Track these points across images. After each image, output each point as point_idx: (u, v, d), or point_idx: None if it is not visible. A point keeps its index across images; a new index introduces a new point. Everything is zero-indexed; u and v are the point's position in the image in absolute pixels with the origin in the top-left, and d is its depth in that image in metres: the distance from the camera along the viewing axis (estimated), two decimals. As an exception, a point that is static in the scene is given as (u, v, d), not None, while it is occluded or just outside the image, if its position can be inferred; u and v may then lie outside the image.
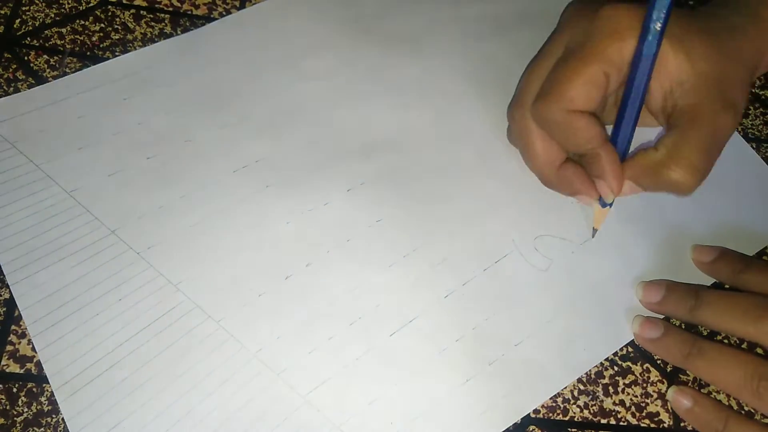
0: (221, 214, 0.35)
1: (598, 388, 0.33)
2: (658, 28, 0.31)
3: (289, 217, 0.35)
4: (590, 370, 0.34)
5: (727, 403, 0.33)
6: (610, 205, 0.35)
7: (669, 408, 0.33)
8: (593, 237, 0.36)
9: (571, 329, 0.34)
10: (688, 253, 0.37)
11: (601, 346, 0.34)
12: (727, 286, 0.36)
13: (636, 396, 0.33)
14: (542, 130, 0.33)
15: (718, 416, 0.31)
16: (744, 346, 0.35)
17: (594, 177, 0.33)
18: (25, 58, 0.37)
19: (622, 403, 0.33)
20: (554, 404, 0.33)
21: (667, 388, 0.34)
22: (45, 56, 0.38)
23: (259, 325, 0.32)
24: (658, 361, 0.34)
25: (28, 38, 0.38)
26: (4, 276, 0.32)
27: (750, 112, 0.43)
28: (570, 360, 0.33)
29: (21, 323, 0.31)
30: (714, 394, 0.34)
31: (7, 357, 0.30)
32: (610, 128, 0.35)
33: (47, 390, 0.30)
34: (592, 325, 0.34)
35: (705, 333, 0.35)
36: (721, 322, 0.32)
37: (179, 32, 0.40)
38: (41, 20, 0.39)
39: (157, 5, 0.41)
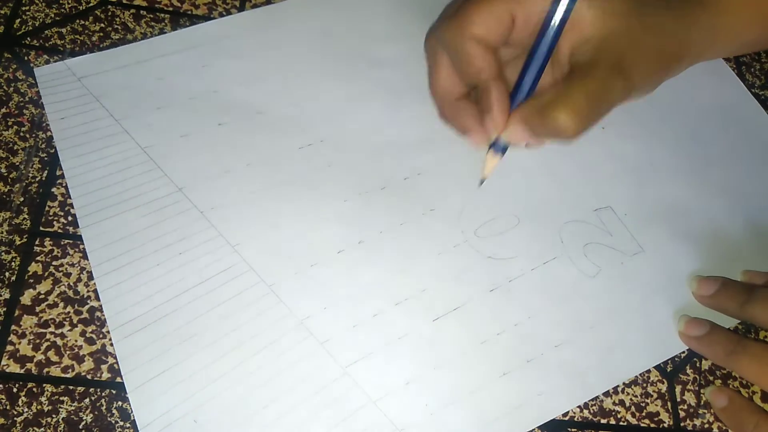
0: (283, 185, 0.36)
1: (609, 392, 0.33)
2: None
3: (347, 195, 0.36)
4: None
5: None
6: (502, 152, 0.34)
7: (669, 408, 0.33)
8: (479, 186, 0.36)
9: (613, 338, 0.34)
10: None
11: (641, 359, 0.34)
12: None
13: (636, 396, 0.33)
14: (449, 59, 0.34)
15: (751, 417, 0.32)
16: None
17: (483, 112, 0.33)
18: (25, 58, 0.37)
19: (622, 403, 0.33)
20: (567, 406, 0.33)
21: (667, 388, 0.34)
22: (45, 56, 0.38)
23: (308, 294, 0.33)
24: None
25: (28, 38, 0.38)
26: (5, 275, 0.32)
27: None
28: (608, 368, 0.34)
29: (21, 323, 0.31)
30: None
31: (7, 357, 0.30)
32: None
33: (47, 390, 0.30)
34: (635, 338, 0.34)
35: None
36: None
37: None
38: (41, 20, 0.39)
39: (157, 5, 0.41)
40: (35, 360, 0.30)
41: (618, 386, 0.33)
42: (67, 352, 0.31)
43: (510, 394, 0.32)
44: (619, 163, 0.40)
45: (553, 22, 0.32)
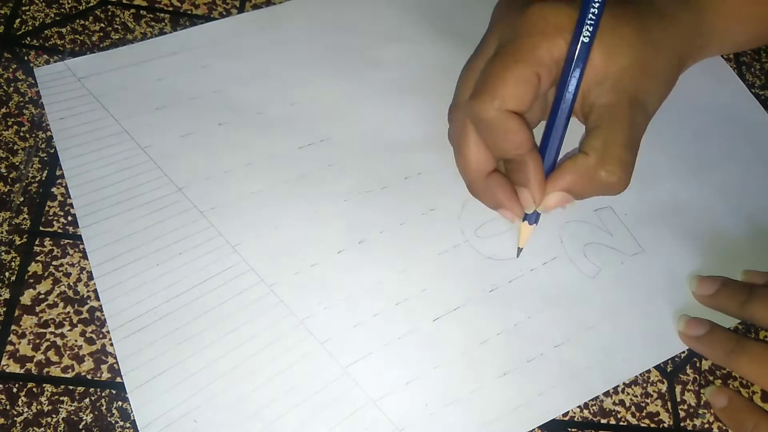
0: (284, 185, 0.36)
1: (611, 392, 0.33)
2: (587, 41, 0.31)
3: (347, 195, 0.36)
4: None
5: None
6: (536, 222, 0.34)
7: (669, 408, 0.33)
8: (518, 256, 0.36)
9: (613, 339, 0.34)
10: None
11: (640, 359, 0.34)
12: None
13: (636, 396, 0.33)
14: (477, 133, 0.33)
15: (751, 417, 0.32)
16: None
17: (518, 186, 0.33)
18: (25, 58, 0.37)
19: (622, 403, 0.33)
20: (569, 406, 0.33)
21: (667, 388, 0.34)
22: (45, 56, 0.38)
23: (308, 294, 0.33)
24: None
25: (28, 38, 0.38)
26: (5, 275, 0.32)
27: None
28: (608, 368, 0.34)
29: (21, 323, 0.31)
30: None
31: (7, 357, 0.30)
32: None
33: (47, 390, 0.30)
34: (634, 338, 0.34)
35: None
36: None
37: (179, 31, 0.40)
38: (41, 20, 0.39)
39: (157, 5, 0.41)
40: (35, 360, 0.30)
41: (618, 386, 0.33)
42: (67, 352, 0.31)
43: (510, 394, 0.32)
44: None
45: (570, 82, 0.32)
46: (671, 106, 0.42)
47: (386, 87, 0.40)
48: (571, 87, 0.32)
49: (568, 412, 0.32)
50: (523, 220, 0.34)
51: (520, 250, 0.36)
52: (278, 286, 0.33)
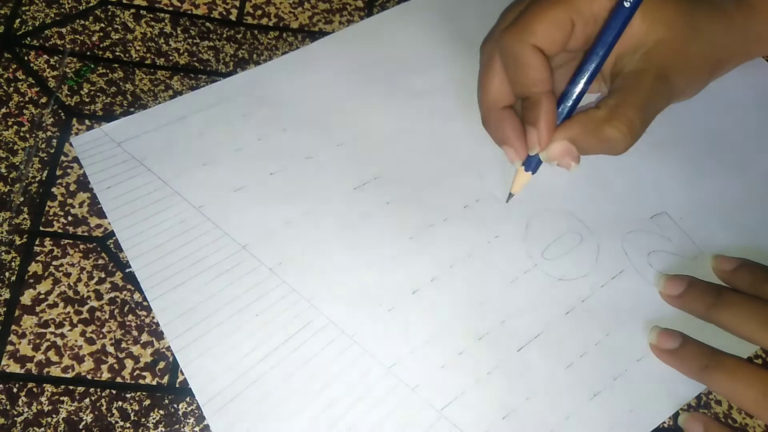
0: (346, 230, 0.35)
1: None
2: (628, 5, 0.32)
3: (411, 232, 0.35)
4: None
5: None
6: (534, 170, 0.34)
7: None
8: (507, 201, 0.36)
9: None
10: (710, 262, 0.36)
11: None
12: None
13: (635, 396, 0.33)
14: (502, 67, 0.34)
15: None
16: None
17: (528, 124, 0.33)
18: (25, 58, 0.37)
19: (621, 402, 0.33)
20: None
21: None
22: (45, 56, 0.38)
23: (391, 340, 0.32)
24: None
25: (28, 38, 0.38)
26: (5, 275, 0.32)
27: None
28: None
29: (21, 323, 0.31)
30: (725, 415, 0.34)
31: (7, 357, 0.30)
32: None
33: (47, 390, 0.30)
34: (713, 337, 0.33)
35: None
36: (738, 325, 0.32)
37: (179, 31, 0.40)
38: (41, 20, 0.39)
39: (157, 5, 0.41)
40: (35, 360, 0.30)
41: (618, 386, 0.33)
42: (67, 352, 0.31)
43: (604, 414, 0.32)
44: (664, 165, 0.39)
45: (608, 32, 0.32)
46: (708, 104, 0.41)
47: (429, 114, 0.39)
48: (602, 47, 0.32)
49: (568, 413, 0.32)
50: (523, 165, 0.34)
51: (511, 195, 0.36)
52: (360, 336, 0.32)
